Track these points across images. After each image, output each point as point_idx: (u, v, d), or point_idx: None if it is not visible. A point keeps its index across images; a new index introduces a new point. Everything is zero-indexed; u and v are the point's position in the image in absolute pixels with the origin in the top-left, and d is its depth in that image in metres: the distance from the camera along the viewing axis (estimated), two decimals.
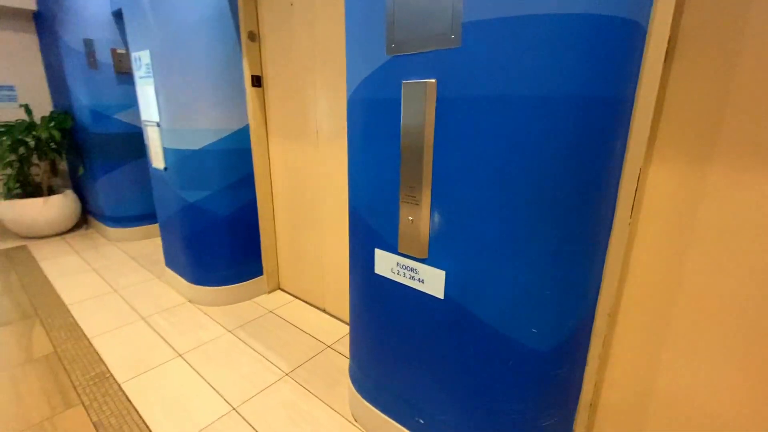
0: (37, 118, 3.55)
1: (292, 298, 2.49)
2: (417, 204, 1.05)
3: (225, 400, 1.60)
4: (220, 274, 2.33)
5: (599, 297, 1.16)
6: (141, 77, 2.25)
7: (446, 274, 1.06)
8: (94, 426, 1.46)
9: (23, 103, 3.68)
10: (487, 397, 1.10)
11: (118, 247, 3.35)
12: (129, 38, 2.27)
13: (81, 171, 3.50)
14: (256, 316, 2.25)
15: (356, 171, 1.26)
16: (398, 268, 1.17)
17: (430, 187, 1.03)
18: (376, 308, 1.29)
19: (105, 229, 3.51)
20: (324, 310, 2.32)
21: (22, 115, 3.59)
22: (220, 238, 2.28)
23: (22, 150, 3.28)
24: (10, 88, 3.61)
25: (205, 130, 2.08)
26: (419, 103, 0.98)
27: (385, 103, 1.07)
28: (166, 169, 2.25)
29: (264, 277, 2.50)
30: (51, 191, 3.52)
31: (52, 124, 3.27)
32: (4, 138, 3.16)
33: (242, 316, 2.24)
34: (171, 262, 2.55)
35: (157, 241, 3.50)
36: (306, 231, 2.27)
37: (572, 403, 1.24)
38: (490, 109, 0.89)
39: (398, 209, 1.12)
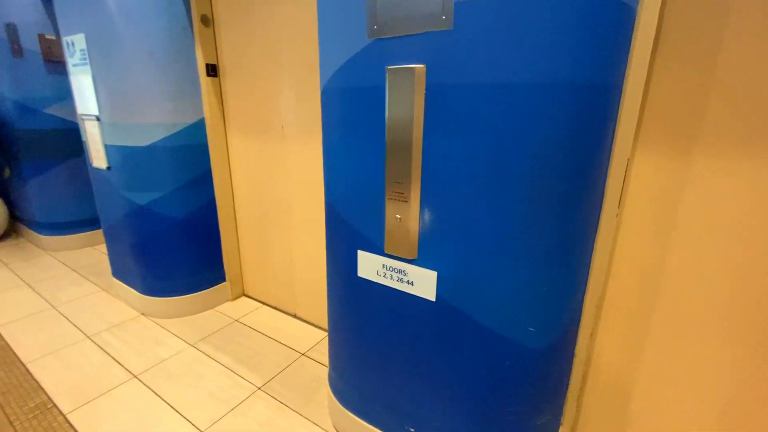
0: None
1: (259, 304, 2.33)
2: (405, 201, 0.97)
3: (191, 423, 1.44)
4: (178, 282, 2.13)
5: (587, 289, 1.14)
6: (75, 65, 1.98)
7: (438, 275, 0.99)
8: None
9: None
10: (482, 401, 1.05)
11: (54, 257, 2.99)
12: (59, 21, 1.99)
13: (7, 173, 3.08)
14: (221, 326, 2.08)
15: (334, 167, 1.15)
16: (385, 270, 1.08)
17: (419, 183, 0.95)
18: (360, 314, 1.20)
19: (38, 237, 3.12)
20: (295, 316, 2.19)
21: None
22: (175, 244, 2.08)
23: None
24: None
25: (154, 124, 1.87)
26: (406, 91, 0.90)
27: (366, 91, 0.98)
28: (109, 168, 2.01)
29: (227, 283, 2.32)
30: None
31: None
32: None
33: (205, 328, 2.06)
34: (119, 272, 2.30)
35: (102, 249, 3.17)
36: (273, 232, 2.12)
37: (562, 399, 1.22)
38: (485, 97, 0.83)
39: (384, 207, 1.03)
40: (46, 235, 3.08)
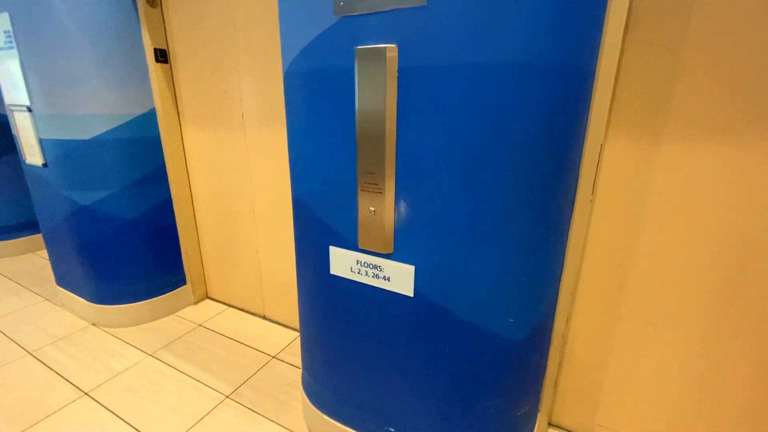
0: None
1: (225, 306, 2.20)
2: (380, 192, 0.91)
3: None
4: (132, 288, 1.96)
5: (562, 276, 1.14)
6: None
7: (416, 270, 0.94)
8: None
9: None
10: (464, 396, 1.02)
11: None
12: None
13: None
14: (183, 332, 1.94)
15: (300, 157, 1.07)
16: (359, 266, 1.02)
17: (393, 172, 0.89)
18: (334, 313, 1.13)
19: None
20: (264, 317, 2.09)
21: None
22: (127, 246, 1.91)
23: None
24: None
25: (96, 115, 1.69)
26: (377, 74, 0.84)
27: (333, 74, 0.91)
28: (45, 165, 1.81)
29: (188, 286, 2.17)
30: None
31: None
32: None
33: (165, 335, 1.92)
34: (64, 279, 2.09)
35: (43, 255, 2.89)
36: (237, 230, 2.00)
37: (540, 387, 1.22)
38: (461, 78, 0.78)
39: (356, 200, 0.97)
40: None
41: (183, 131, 1.97)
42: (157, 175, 1.92)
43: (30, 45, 1.63)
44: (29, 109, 1.74)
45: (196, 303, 2.22)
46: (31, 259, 2.83)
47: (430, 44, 0.78)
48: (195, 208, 2.12)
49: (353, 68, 0.87)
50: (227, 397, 1.52)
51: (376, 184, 0.91)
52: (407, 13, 0.78)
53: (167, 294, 2.08)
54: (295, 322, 1.96)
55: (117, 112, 1.72)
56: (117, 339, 1.88)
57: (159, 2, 1.76)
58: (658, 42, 0.97)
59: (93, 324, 2.01)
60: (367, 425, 1.20)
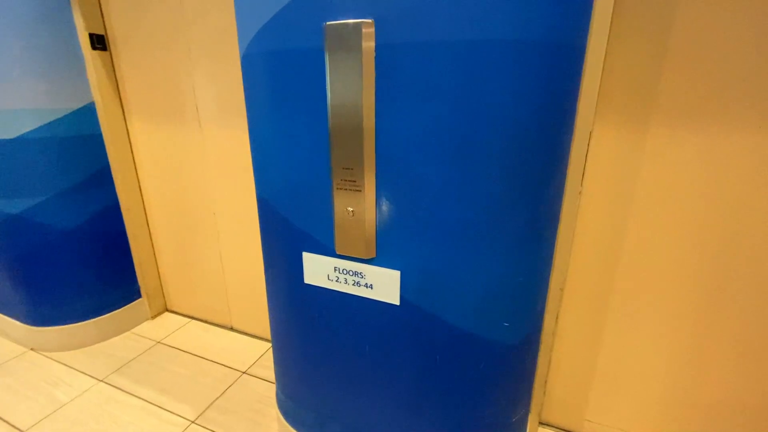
0: None
1: (187, 319, 2.02)
2: (358, 190, 0.81)
3: None
4: (76, 305, 1.75)
5: (552, 272, 1.08)
6: None
7: (402, 275, 0.85)
8: None
9: None
10: (457, 407, 0.94)
11: None
12: None
13: None
14: (139, 351, 1.75)
15: (264, 152, 0.95)
16: (337, 273, 0.91)
17: (374, 167, 0.79)
18: (310, 326, 1.02)
19: None
20: (231, 328, 1.93)
21: None
22: (68, 259, 1.69)
23: None
24: None
25: (21, 110, 1.46)
26: (351, 54, 0.72)
27: (299, 55, 0.79)
28: None
29: (143, 299, 1.97)
30: None
31: None
32: None
33: (118, 356, 1.72)
34: None
35: None
36: (196, 235, 1.83)
37: (532, 388, 1.17)
38: (449, 58, 0.68)
39: (331, 199, 0.85)
40: None
41: (129, 127, 1.77)
42: (101, 178, 1.71)
43: None
44: None
45: (153, 317, 2.02)
46: None
47: (413, 18, 0.68)
48: (147, 213, 1.92)
49: (322, 48, 0.75)
50: (192, 422, 1.37)
51: (354, 181, 0.80)
52: None
53: (119, 310, 1.87)
54: (267, 332, 1.82)
55: (47, 106, 1.50)
56: (61, 365, 1.66)
57: None
58: (643, 28, 0.92)
59: (31, 349, 1.77)
60: None
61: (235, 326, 1.92)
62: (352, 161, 0.79)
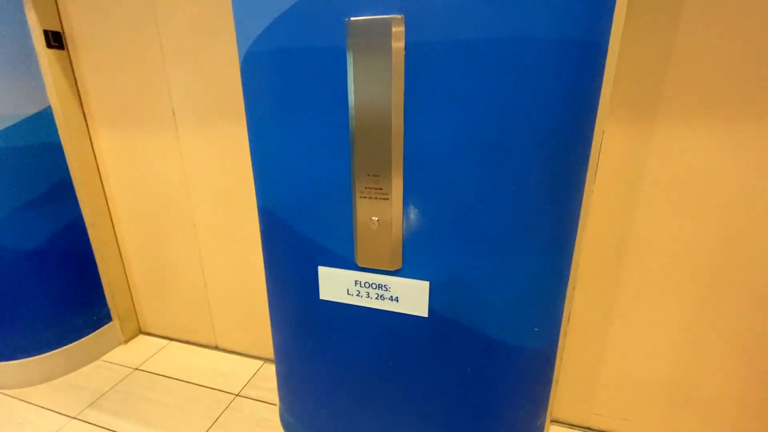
0: None
1: (164, 341, 1.86)
2: (385, 198, 0.75)
3: None
4: (39, 335, 1.56)
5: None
6: None
7: (431, 285, 0.80)
8: None
9: None
10: (488, 417, 0.91)
11: None
12: None
13: None
14: (115, 381, 1.59)
15: (269, 160, 0.87)
16: (358, 287, 0.85)
17: (401, 173, 0.74)
18: (327, 345, 0.95)
19: None
20: (216, 347, 1.80)
21: None
22: (26, 284, 1.50)
23: None
24: None
25: None
26: (378, 54, 0.67)
27: (317, 54, 0.72)
28: None
29: (115, 322, 1.79)
30: None
31: None
32: None
33: (92, 388, 1.55)
34: None
35: None
36: (174, 250, 1.68)
37: (551, 390, 1.16)
38: (485, 56, 0.65)
39: (352, 209, 0.80)
40: None
41: (92, 134, 1.60)
42: (61, 192, 1.53)
43: None
44: None
45: (126, 342, 1.85)
46: None
47: (446, 15, 0.64)
48: (116, 228, 1.75)
49: (344, 47, 0.69)
50: None
51: (380, 189, 0.75)
52: None
53: (88, 336, 1.69)
54: (256, 348, 1.71)
55: None
56: (25, 403, 1.47)
57: None
58: (650, 25, 0.94)
59: None
60: None
61: (221, 345, 1.79)
62: (378, 167, 0.74)
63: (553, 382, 1.19)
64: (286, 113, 0.79)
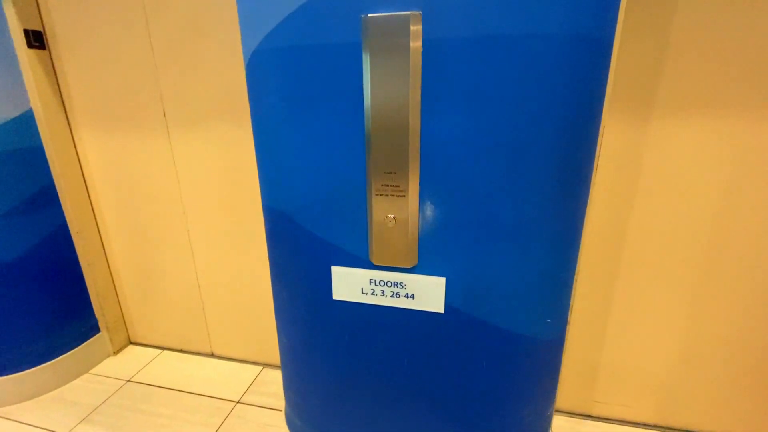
0: None
1: (156, 350, 1.81)
2: (402, 195, 0.75)
3: None
4: (23, 350, 1.48)
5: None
6: None
7: (447, 281, 0.81)
8: None
9: None
10: (502, 410, 0.92)
11: None
12: None
13: None
14: (107, 394, 1.53)
15: (277, 160, 0.86)
16: (373, 286, 0.85)
17: (418, 170, 0.74)
18: (339, 345, 0.94)
19: None
20: (212, 354, 1.76)
21: None
22: (9, 296, 1.43)
23: None
24: None
25: None
26: (397, 50, 0.67)
27: (331, 51, 0.71)
28: None
29: (103, 333, 1.73)
30: None
31: None
32: None
33: (83, 403, 1.48)
34: None
35: None
36: (166, 256, 1.63)
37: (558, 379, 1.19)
38: (504, 52, 0.66)
39: (367, 207, 0.79)
40: None
41: (76, 138, 1.53)
42: (45, 199, 1.47)
43: None
44: None
45: (116, 353, 1.78)
46: None
47: (465, 10, 0.64)
48: (103, 235, 1.68)
49: (359, 44, 0.69)
50: None
51: (397, 186, 0.75)
52: None
53: (75, 349, 1.62)
54: (255, 354, 1.68)
55: None
56: (13, 422, 1.40)
57: None
58: (646, 22, 0.97)
59: None
60: None
61: (217, 352, 1.75)
62: (395, 165, 0.74)
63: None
64: (299, 112, 0.78)
